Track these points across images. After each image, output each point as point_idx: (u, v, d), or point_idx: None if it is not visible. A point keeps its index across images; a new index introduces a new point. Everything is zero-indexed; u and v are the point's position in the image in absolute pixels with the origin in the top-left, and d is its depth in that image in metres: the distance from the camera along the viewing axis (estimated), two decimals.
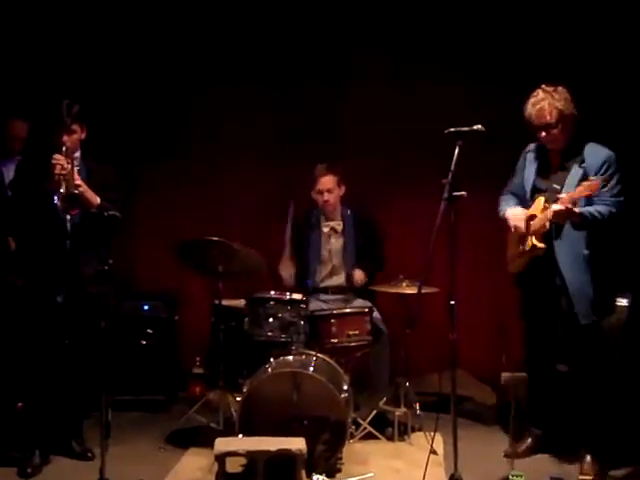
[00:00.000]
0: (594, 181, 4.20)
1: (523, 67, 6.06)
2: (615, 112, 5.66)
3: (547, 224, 4.40)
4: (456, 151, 4.12)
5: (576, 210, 4.29)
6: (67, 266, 4.55)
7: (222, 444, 4.23)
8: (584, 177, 4.34)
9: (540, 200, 4.52)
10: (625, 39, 5.78)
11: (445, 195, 4.09)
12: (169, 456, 4.79)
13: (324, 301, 5.45)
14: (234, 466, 4.29)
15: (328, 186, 5.47)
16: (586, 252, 4.43)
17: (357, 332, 4.93)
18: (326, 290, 5.55)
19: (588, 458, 4.43)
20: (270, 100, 6.37)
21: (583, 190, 4.22)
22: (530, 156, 4.69)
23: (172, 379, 6.02)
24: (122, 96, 6.24)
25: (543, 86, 4.46)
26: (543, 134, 4.46)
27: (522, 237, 4.57)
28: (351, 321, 4.97)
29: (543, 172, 4.60)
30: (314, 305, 5.22)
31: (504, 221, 4.72)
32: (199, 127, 6.39)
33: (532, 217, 4.52)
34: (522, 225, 4.55)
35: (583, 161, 4.40)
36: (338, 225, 5.60)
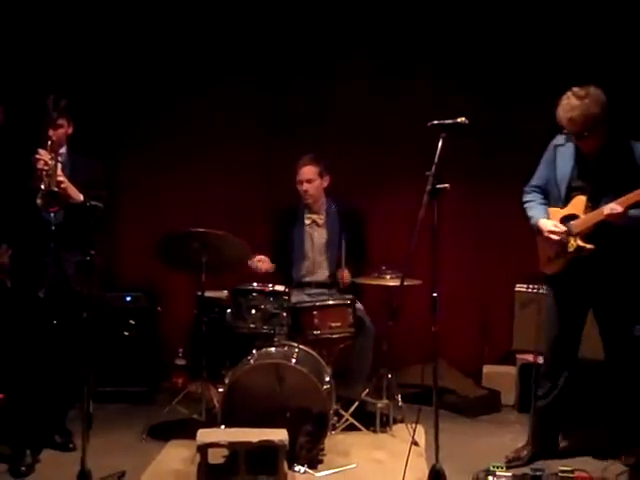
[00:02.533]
0: None
1: (507, 61, 6.12)
2: None
3: (594, 224, 4.29)
4: (440, 143, 4.12)
5: (630, 213, 4.20)
6: (50, 264, 4.53)
7: (204, 435, 4.22)
8: (635, 177, 4.23)
9: (581, 199, 4.37)
10: None
11: (428, 187, 4.09)
12: (151, 447, 4.78)
13: (307, 294, 5.44)
14: (216, 457, 4.29)
15: (308, 176, 5.47)
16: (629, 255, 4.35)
17: (339, 324, 4.93)
18: (309, 284, 5.55)
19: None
20: (255, 92, 6.34)
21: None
22: (563, 151, 4.47)
23: (154, 370, 6.01)
24: (104, 88, 6.19)
25: (575, 89, 4.26)
26: (579, 140, 4.34)
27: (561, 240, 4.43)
28: (333, 313, 4.96)
29: (581, 170, 4.41)
30: (297, 297, 5.21)
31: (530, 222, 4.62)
32: (182, 119, 6.34)
33: (570, 217, 4.39)
34: (558, 233, 4.40)
35: (632, 156, 4.27)
36: (320, 219, 5.60)
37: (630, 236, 4.32)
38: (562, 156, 4.48)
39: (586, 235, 4.33)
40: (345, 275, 5.33)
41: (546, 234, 4.44)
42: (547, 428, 4.65)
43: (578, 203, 4.39)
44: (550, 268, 4.57)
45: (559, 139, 4.52)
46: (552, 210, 4.51)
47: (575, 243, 4.36)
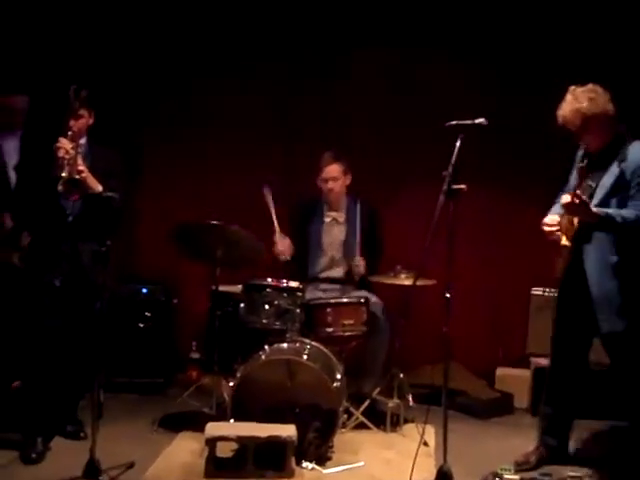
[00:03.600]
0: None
1: (527, 59, 6.08)
2: None
3: (574, 221, 4.29)
4: (457, 144, 4.12)
5: (593, 210, 4.17)
6: (67, 254, 4.56)
7: (213, 429, 4.26)
8: (621, 176, 4.20)
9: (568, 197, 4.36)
10: None
11: (445, 188, 4.09)
12: (161, 439, 4.80)
13: (322, 290, 5.45)
14: (225, 451, 4.31)
15: (333, 174, 5.46)
16: (614, 259, 4.24)
17: (352, 322, 4.93)
18: (325, 280, 5.55)
19: None
20: (271, 86, 6.34)
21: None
22: (579, 154, 4.49)
23: (169, 362, 6.05)
24: (125, 80, 6.21)
25: (571, 87, 4.29)
26: (576, 139, 4.35)
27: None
28: (347, 311, 4.97)
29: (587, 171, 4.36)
30: (311, 294, 5.22)
31: None
32: (201, 114, 6.35)
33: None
34: (552, 228, 4.40)
35: (624, 160, 4.22)
36: (340, 216, 5.60)
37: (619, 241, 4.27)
38: (578, 158, 4.47)
39: (571, 234, 4.31)
40: (361, 263, 5.33)
41: (544, 228, 4.44)
42: (556, 432, 4.62)
43: None
44: (556, 271, 4.55)
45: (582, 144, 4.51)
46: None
47: (560, 241, 4.38)
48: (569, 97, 4.26)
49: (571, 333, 4.51)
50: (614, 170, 4.23)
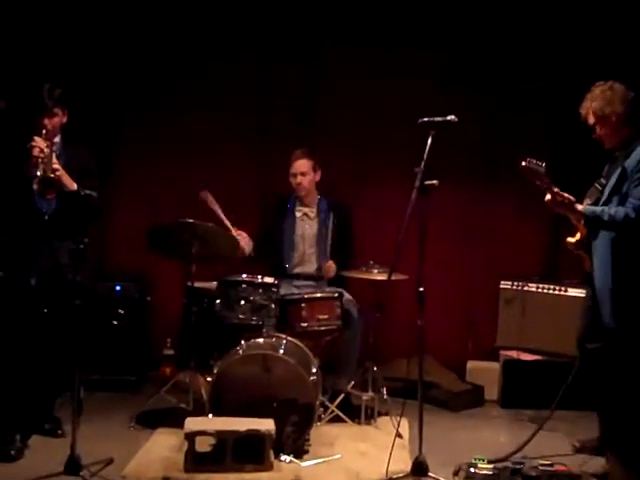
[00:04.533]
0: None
1: (497, 56, 6.21)
2: None
3: (576, 221, 4.39)
4: (429, 140, 4.20)
5: (578, 207, 4.27)
6: (44, 253, 4.56)
7: (192, 423, 4.30)
8: (622, 174, 4.26)
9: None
10: None
11: (417, 184, 4.17)
12: (139, 435, 4.83)
13: (296, 286, 5.51)
14: (203, 445, 4.31)
15: (302, 169, 5.55)
16: (609, 257, 4.29)
17: (327, 317, 4.99)
18: (298, 276, 5.62)
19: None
20: (246, 84, 6.40)
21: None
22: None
23: (143, 360, 6.06)
24: (96, 78, 6.20)
25: (597, 83, 4.37)
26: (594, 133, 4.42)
27: None
28: (321, 306, 5.02)
29: (605, 170, 4.50)
30: (285, 289, 5.27)
31: None
32: (173, 111, 6.37)
33: None
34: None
35: (628, 158, 4.28)
36: (311, 212, 5.67)
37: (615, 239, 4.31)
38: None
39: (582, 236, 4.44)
40: (331, 267, 5.44)
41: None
42: None
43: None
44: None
45: None
46: None
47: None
48: (588, 94, 4.35)
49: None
50: (619, 168, 4.29)
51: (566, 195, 4.26)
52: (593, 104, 4.33)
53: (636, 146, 4.29)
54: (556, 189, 4.26)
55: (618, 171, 4.28)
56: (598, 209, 4.27)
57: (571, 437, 4.83)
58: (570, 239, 4.51)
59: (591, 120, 4.36)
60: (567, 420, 5.12)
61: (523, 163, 4.23)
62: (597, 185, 4.46)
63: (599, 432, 4.52)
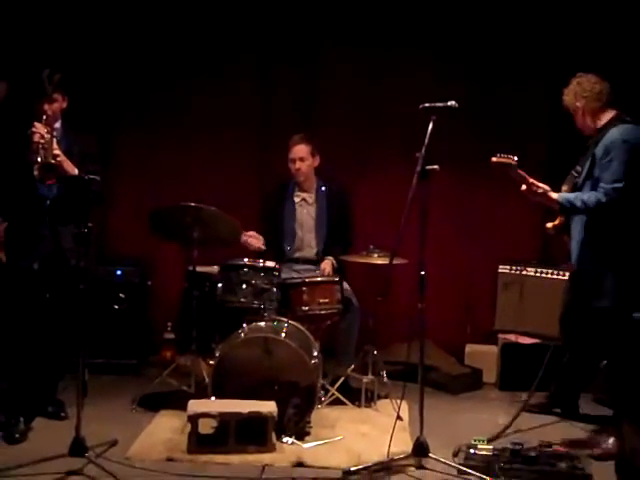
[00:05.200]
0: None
1: (493, 48, 6.24)
2: None
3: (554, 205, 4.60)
4: (430, 126, 4.23)
5: (553, 196, 4.45)
6: (46, 237, 4.59)
7: (195, 405, 4.36)
8: (593, 160, 4.48)
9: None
10: None
11: (418, 168, 4.20)
12: (141, 417, 4.87)
13: (295, 270, 5.54)
14: (205, 428, 4.38)
15: (300, 154, 5.57)
16: (582, 236, 4.55)
17: (327, 300, 5.03)
18: (297, 260, 5.66)
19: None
20: (248, 73, 6.43)
21: None
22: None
23: (143, 343, 6.11)
24: (97, 63, 6.23)
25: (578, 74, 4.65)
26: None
27: None
28: (322, 289, 5.06)
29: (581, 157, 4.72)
30: (286, 274, 5.31)
31: None
32: (176, 96, 6.40)
33: None
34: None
35: (597, 144, 4.50)
36: (310, 197, 5.70)
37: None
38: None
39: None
40: (326, 266, 5.48)
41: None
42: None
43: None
44: None
45: None
46: None
47: None
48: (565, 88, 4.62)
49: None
50: (590, 156, 4.50)
51: (541, 185, 4.49)
52: (566, 98, 4.62)
53: (605, 133, 4.48)
54: (531, 180, 4.49)
55: (590, 158, 4.50)
56: (571, 196, 4.47)
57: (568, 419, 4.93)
58: (549, 224, 4.76)
59: (568, 108, 4.65)
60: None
61: (493, 159, 4.49)
62: (574, 172, 4.65)
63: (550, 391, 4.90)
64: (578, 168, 4.63)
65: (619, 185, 4.38)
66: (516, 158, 4.50)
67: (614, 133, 4.47)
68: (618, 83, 4.69)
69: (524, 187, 4.51)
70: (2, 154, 4.65)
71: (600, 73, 4.64)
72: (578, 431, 4.80)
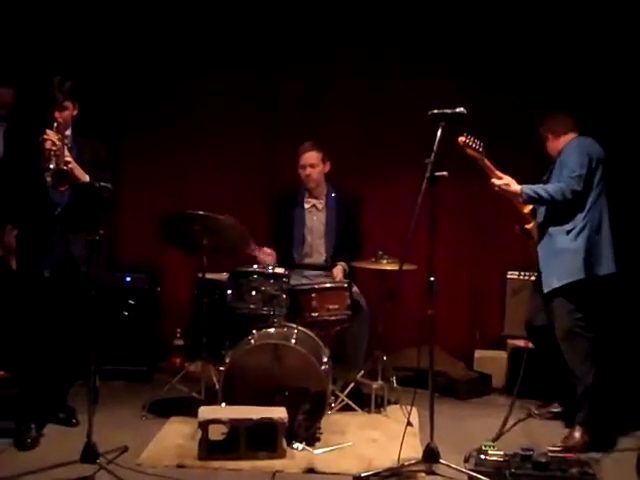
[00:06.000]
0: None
1: (498, 52, 6.25)
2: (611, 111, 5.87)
3: (522, 208, 4.93)
4: (439, 132, 4.24)
5: (516, 186, 4.70)
6: (57, 245, 4.61)
7: (206, 412, 4.37)
8: (559, 166, 4.77)
9: None
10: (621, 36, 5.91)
11: (427, 175, 4.21)
12: (152, 424, 4.88)
13: (305, 276, 5.56)
14: (215, 434, 4.39)
15: (311, 161, 5.59)
16: (544, 224, 4.81)
17: (337, 306, 5.05)
18: (307, 267, 5.67)
19: (576, 432, 4.64)
20: (254, 78, 6.45)
21: None
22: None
23: (153, 350, 6.13)
24: (106, 71, 6.25)
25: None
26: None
27: None
28: (331, 295, 5.08)
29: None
30: (295, 280, 5.32)
31: None
32: (183, 103, 6.43)
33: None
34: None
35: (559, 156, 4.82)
36: (320, 203, 5.72)
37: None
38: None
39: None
40: (337, 275, 5.47)
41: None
42: None
43: None
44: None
45: None
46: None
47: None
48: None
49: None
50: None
51: (505, 176, 4.75)
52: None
53: (565, 147, 4.81)
54: (497, 171, 4.78)
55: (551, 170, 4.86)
56: (536, 188, 4.70)
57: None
58: (517, 226, 5.03)
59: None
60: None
61: (462, 138, 4.67)
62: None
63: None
64: (544, 178, 4.89)
65: (577, 173, 4.64)
66: (483, 146, 4.76)
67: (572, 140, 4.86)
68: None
69: (493, 180, 4.75)
70: (14, 161, 4.68)
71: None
72: None
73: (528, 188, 4.69)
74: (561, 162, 4.76)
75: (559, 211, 4.72)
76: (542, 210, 4.87)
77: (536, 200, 4.74)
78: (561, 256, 4.69)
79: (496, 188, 4.75)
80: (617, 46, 5.91)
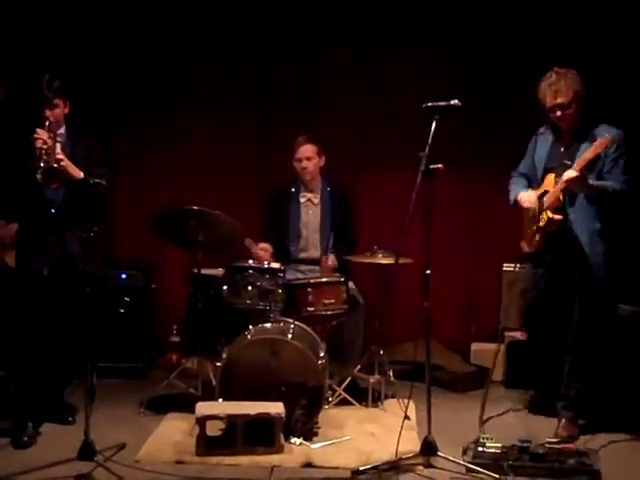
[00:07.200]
0: (604, 139, 4.38)
1: (491, 46, 6.23)
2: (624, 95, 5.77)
3: (560, 196, 4.59)
4: (433, 125, 4.23)
5: (590, 182, 4.47)
6: (54, 243, 4.60)
7: (203, 408, 4.37)
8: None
9: (550, 177, 4.68)
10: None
11: (422, 168, 4.20)
12: (149, 420, 4.88)
13: (301, 271, 5.55)
14: (213, 430, 4.39)
15: (307, 154, 5.58)
16: (598, 225, 4.63)
17: (333, 301, 5.03)
18: (302, 261, 5.66)
19: (564, 421, 4.68)
20: (250, 73, 6.43)
21: (594, 150, 4.40)
22: (541, 137, 4.86)
23: (149, 347, 6.12)
24: (98, 68, 6.23)
25: (555, 69, 4.62)
26: (558, 113, 4.61)
27: (536, 215, 4.75)
28: (327, 290, 5.07)
29: (554, 152, 4.76)
30: (291, 275, 5.32)
31: (515, 206, 4.93)
32: (177, 99, 6.42)
33: (544, 194, 4.69)
34: (535, 204, 4.73)
35: (594, 138, 4.50)
36: (315, 197, 5.71)
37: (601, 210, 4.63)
38: (541, 142, 4.85)
39: (556, 207, 4.62)
40: (329, 263, 5.46)
41: (525, 204, 4.79)
42: None
43: (548, 180, 4.71)
44: (531, 246, 4.89)
45: (541, 129, 4.87)
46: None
47: (546, 216, 4.65)
48: (557, 76, 4.58)
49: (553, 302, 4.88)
50: (587, 147, 4.52)
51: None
52: (574, 84, 4.58)
53: (594, 127, 4.59)
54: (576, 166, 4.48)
55: (579, 150, 4.58)
56: (605, 183, 4.51)
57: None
58: (555, 216, 4.64)
59: (569, 99, 4.57)
60: None
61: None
62: (567, 162, 4.61)
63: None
64: (566, 162, 4.60)
65: (628, 177, 4.54)
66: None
67: (613, 129, 4.57)
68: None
69: (573, 174, 4.45)
70: (5, 160, 4.66)
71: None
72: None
73: (599, 183, 4.54)
74: (612, 154, 4.56)
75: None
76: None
77: (603, 196, 4.57)
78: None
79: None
80: (617, 41, 5.89)
